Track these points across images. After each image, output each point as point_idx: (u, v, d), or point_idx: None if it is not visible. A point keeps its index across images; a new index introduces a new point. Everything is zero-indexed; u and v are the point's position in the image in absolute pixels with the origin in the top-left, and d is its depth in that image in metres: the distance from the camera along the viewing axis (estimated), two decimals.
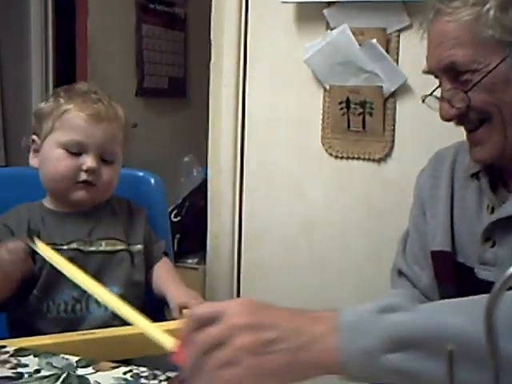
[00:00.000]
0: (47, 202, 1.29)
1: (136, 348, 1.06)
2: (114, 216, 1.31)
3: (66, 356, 0.88)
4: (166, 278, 1.31)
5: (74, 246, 1.23)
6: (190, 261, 2.21)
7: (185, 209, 2.35)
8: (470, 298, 0.71)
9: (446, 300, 0.77)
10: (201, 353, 0.68)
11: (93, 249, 1.24)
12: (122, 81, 3.02)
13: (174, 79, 3.40)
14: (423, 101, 1.08)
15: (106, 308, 1.16)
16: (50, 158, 1.23)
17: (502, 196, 1.02)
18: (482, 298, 0.69)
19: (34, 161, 1.28)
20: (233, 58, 1.83)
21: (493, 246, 1.00)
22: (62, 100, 1.25)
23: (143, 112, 3.13)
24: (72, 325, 1.17)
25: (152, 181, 1.53)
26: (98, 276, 1.14)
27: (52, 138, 1.23)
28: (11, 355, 0.88)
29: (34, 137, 1.27)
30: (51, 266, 1.12)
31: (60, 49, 2.83)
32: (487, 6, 0.93)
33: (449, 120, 1.01)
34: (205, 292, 1.94)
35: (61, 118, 1.22)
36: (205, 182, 2.04)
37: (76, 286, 1.13)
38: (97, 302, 1.18)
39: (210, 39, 1.87)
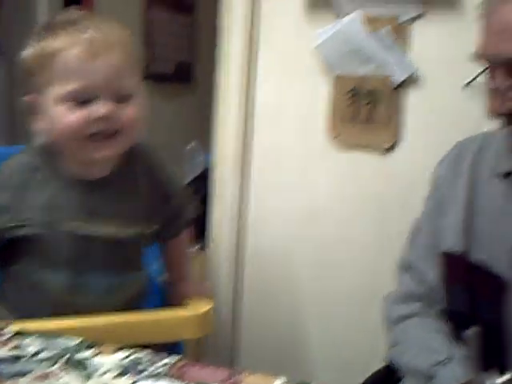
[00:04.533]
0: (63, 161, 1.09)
1: (138, 335, 1.06)
2: (132, 187, 1.12)
3: (68, 338, 0.87)
4: (175, 262, 1.27)
5: (72, 226, 1.08)
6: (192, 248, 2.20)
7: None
8: None
9: None
10: None
11: (94, 230, 1.08)
12: None
13: (181, 64, 3.37)
14: (466, 86, 0.99)
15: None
16: (56, 115, 1.03)
17: None
18: None
19: (38, 124, 1.08)
20: (241, 44, 1.81)
21: None
22: (45, 40, 1.03)
23: (149, 97, 3.11)
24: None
25: None
26: (92, 263, 1.09)
27: (51, 93, 1.03)
28: (12, 336, 0.87)
29: (29, 97, 1.07)
30: None
31: None
32: None
33: (498, 116, 0.93)
34: (206, 279, 1.94)
35: (50, 65, 1.02)
36: (208, 168, 2.03)
37: (76, 262, 1.07)
38: (93, 290, 1.10)
39: (217, 24, 1.85)
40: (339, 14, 1.68)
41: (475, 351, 0.44)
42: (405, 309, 1.12)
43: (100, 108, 1.02)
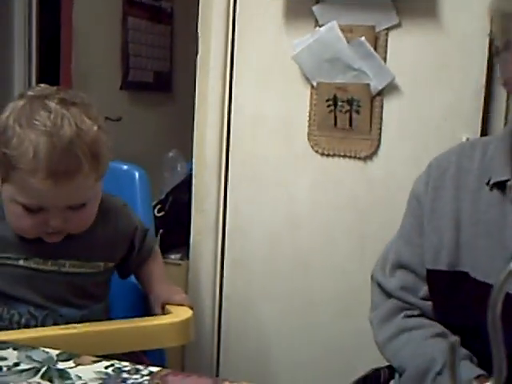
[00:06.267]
0: None
1: (118, 343, 1.05)
2: (91, 232, 1.13)
3: (47, 349, 0.86)
4: (151, 276, 1.26)
5: (31, 263, 1.10)
6: (172, 256, 2.19)
7: (168, 204, 2.33)
8: None
9: None
10: None
11: (53, 269, 1.11)
12: (107, 74, 2.99)
13: (160, 73, 3.37)
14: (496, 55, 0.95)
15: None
16: (11, 211, 1.06)
17: None
18: None
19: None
20: (220, 53, 1.82)
21: None
22: (12, 145, 1.00)
23: (128, 106, 3.10)
24: None
25: (136, 175, 1.51)
26: (55, 298, 1.10)
27: (8, 189, 1.04)
28: None
29: None
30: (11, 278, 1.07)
31: (44, 41, 2.79)
32: None
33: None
34: (187, 288, 1.93)
35: (13, 171, 1.01)
36: (189, 177, 2.03)
37: (35, 302, 1.08)
38: (55, 323, 1.09)
39: (196, 33, 1.86)
40: (317, 24, 1.69)
41: (453, 360, 0.44)
42: (391, 328, 1.09)
43: (52, 221, 1.04)
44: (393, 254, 1.12)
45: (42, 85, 1.11)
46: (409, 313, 1.08)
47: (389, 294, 1.11)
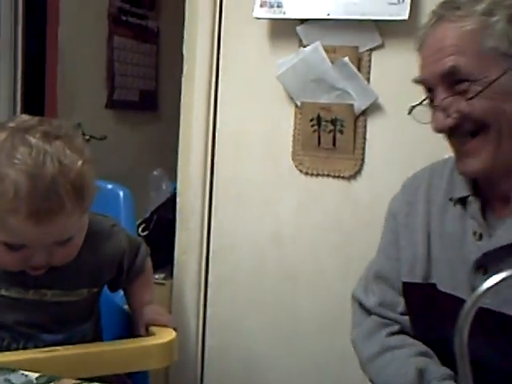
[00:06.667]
0: None
1: (101, 366, 1.04)
2: (79, 262, 1.10)
3: (26, 372, 0.85)
4: (137, 296, 1.25)
5: (12, 293, 1.08)
6: (157, 276, 2.17)
7: (153, 223, 2.32)
8: None
9: None
10: None
11: (35, 298, 1.08)
12: (93, 92, 2.98)
13: (145, 92, 3.37)
14: (410, 112, 1.04)
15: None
16: None
17: (490, 222, 0.99)
18: None
19: None
20: (205, 72, 1.83)
21: (485, 273, 0.97)
22: None
23: (113, 124, 3.10)
24: None
25: (121, 194, 1.51)
26: (37, 325, 1.08)
27: None
28: None
29: None
30: None
31: (29, 61, 2.79)
32: (496, 17, 0.91)
33: (441, 131, 0.99)
34: (171, 307, 1.92)
35: None
36: (173, 196, 2.02)
37: (17, 329, 1.06)
38: (36, 346, 1.07)
39: (182, 53, 1.86)
40: (301, 44, 1.71)
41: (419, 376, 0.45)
42: (374, 346, 1.10)
43: (35, 259, 1.01)
44: (373, 270, 1.16)
45: (24, 116, 1.07)
46: (390, 329, 1.10)
47: (369, 311, 1.14)
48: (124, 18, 3.18)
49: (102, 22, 3.07)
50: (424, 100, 1.02)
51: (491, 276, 0.93)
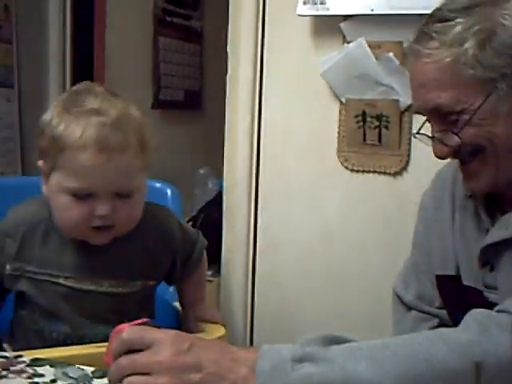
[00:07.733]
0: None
1: None
2: (134, 251, 1.12)
3: (82, 366, 0.88)
4: (189, 292, 1.26)
5: (69, 281, 1.09)
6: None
7: (200, 221, 2.35)
8: (390, 340, 0.77)
9: (366, 342, 0.79)
10: (120, 375, 0.72)
11: (92, 288, 1.09)
12: (139, 93, 3.03)
13: (190, 92, 3.41)
14: (414, 137, 1.07)
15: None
16: (58, 204, 1.05)
17: (497, 219, 1.01)
18: (398, 341, 0.74)
19: (45, 189, 1.08)
20: (249, 71, 1.84)
21: (491, 270, 0.99)
22: (58, 129, 1.01)
23: (159, 124, 3.14)
24: None
25: (168, 192, 1.54)
26: (93, 317, 1.09)
27: (56, 178, 1.04)
28: (27, 365, 0.88)
29: (40, 163, 1.07)
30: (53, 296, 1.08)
31: (78, 62, 2.85)
32: (465, 45, 0.92)
33: (441, 158, 1.01)
34: (219, 304, 1.94)
35: (61, 154, 1.01)
36: (220, 194, 2.04)
37: (73, 320, 1.08)
38: (91, 340, 1.06)
39: (226, 52, 1.88)
40: (345, 40, 1.70)
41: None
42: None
43: (100, 208, 1.03)
44: (409, 264, 1.18)
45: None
46: (430, 324, 1.12)
47: (407, 306, 1.15)
48: (169, 19, 3.23)
49: (147, 24, 3.12)
50: (422, 127, 1.04)
51: (497, 273, 0.95)
